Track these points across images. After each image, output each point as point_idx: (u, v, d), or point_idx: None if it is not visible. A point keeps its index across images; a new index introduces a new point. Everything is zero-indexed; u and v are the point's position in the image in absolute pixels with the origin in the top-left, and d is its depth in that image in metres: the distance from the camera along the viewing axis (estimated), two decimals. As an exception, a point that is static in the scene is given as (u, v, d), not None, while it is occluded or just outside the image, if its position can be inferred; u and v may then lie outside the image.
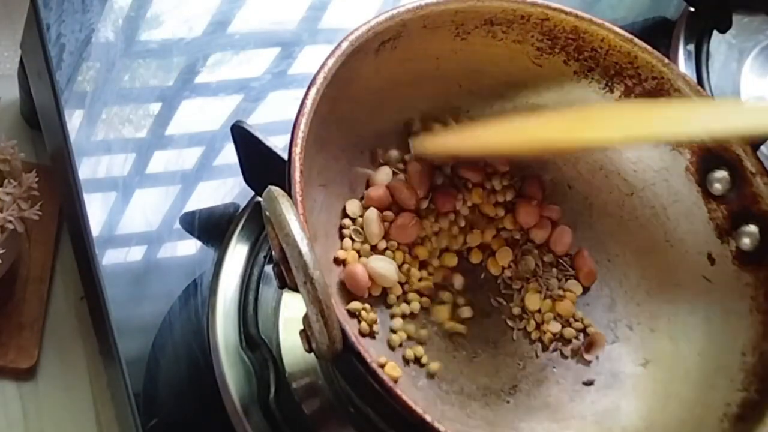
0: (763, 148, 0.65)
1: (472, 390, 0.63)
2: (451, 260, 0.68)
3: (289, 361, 0.66)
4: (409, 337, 0.64)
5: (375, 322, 0.62)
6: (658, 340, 0.66)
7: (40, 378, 0.85)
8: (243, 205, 0.73)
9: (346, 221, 0.65)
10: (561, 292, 0.68)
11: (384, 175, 0.67)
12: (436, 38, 0.67)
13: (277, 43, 0.84)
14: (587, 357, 0.66)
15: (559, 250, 0.70)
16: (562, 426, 0.63)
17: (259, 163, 0.68)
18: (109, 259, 0.72)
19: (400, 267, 0.65)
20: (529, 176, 0.71)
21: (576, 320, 0.68)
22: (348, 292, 0.63)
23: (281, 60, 0.83)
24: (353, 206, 0.66)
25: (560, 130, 0.62)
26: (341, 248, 0.64)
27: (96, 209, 0.73)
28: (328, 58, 0.59)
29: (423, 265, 0.67)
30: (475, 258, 0.69)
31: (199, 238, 0.74)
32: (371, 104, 0.66)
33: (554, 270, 0.69)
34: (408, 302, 0.65)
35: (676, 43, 0.88)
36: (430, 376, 0.63)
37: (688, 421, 0.60)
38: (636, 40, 0.67)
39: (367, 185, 0.67)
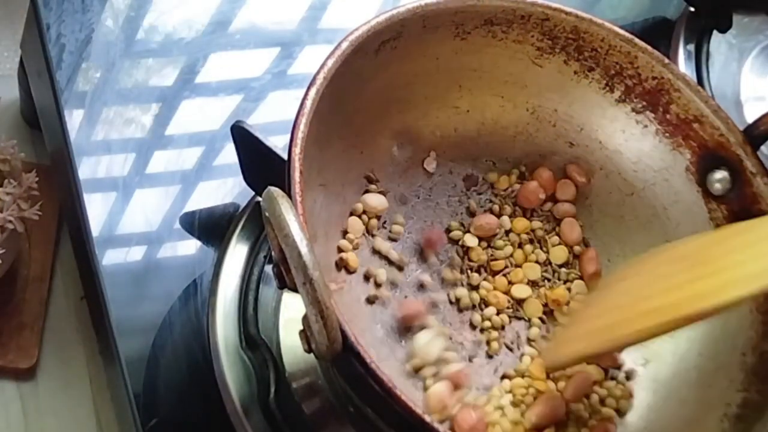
0: (763, 148, 0.65)
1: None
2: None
3: (289, 361, 0.66)
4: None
5: None
6: (657, 340, 0.65)
7: (40, 378, 0.85)
8: (243, 205, 0.73)
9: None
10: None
11: (377, 201, 0.68)
12: (436, 38, 0.67)
13: (277, 43, 0.84)
14: None
15: (571, 242, 0.70)
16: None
17: (259, 163, 0.68)
18: (109, 259, 0.72)
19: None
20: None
21: None
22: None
23: (281, 60, 0.83)
24: (354, 226, 0.66)
25: (693, 295, 0.55)
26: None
27: (96, 209, 0.73)
28: (328, 58, 0.59)
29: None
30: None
31: (199, 238, 0.74)
32: (371, 104, 0.66)
33: (561, 270, 0.70)
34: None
35: (676, 43, 0.88)
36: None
37: (689, 421, 0.60)
38: (636, 40, 0.67)
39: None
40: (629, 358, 0.66)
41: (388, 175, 0.69)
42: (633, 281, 0.61)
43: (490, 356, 0.66)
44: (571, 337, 0.62)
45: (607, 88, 0.69)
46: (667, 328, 0.55)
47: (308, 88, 0.58)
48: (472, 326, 0.67)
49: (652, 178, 0.68)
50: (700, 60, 0.87)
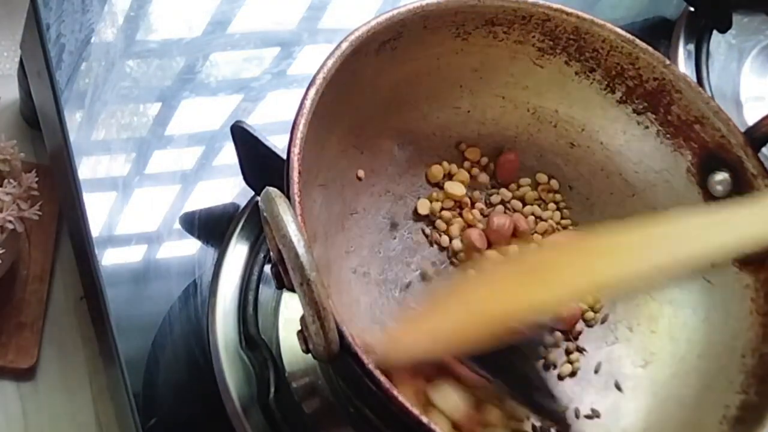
0: (764, 149, 0.65)
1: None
2: None
3: (289, 361, 0.66)
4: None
5: None
6: (657, 341, 0.66)
7: (40, 378, 0.85)
8: (243, 205, 0.73)
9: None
10: None
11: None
12: (437, 39, 0.66)
13: (277, 43, 0.84)
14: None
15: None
16: (562, 427, 0.63)
17: (259, 163, 0.68)
18: (109, 259, 0.71)
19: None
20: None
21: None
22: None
23: (281, 60, 0.83)
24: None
25: (527, 294, 0.56)
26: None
27: (96, 209, 0.73)
28: (328, 58, 0.59)
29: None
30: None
31: (199, 238, 0.74)
32: (371, 105, 0.66)
33: None
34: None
35: (676, 43, 0.88)
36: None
37: (688, 423, 0.60)
38: (637, 41, 0.67)
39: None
40: (629, 360, 0.66)
41: (388, 175, 0.69)
42: (479, 284, 0.61)
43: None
44: (414, 329, 0.61)
45: (609, 89, 0.69)
46: (486, 331, 0.55)
47: (308, 89, 0.58)
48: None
49: (653, 179, 0.68)
50: (700, 60, 0.87)
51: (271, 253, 0.53)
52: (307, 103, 0.57)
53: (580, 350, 0.67)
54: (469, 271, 0.66)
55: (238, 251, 0.70)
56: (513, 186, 0.72)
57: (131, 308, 0.70)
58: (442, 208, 0.69)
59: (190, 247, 0.73)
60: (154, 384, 0.68)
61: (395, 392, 0.50)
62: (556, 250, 0.64)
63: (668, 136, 0.67)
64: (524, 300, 0.56)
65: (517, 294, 0.57)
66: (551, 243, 0.67)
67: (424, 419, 0.49)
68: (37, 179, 0.80)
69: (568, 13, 0.67)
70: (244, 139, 0.69)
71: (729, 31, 0.88)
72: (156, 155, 0.77)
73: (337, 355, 0.50)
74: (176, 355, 0.69)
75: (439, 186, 0.70)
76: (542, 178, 0.71)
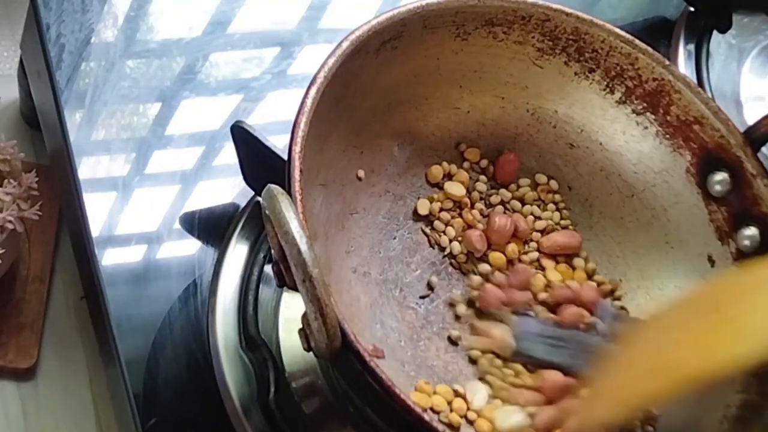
0: (763, 149, 0.65)
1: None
2: None
3: (289, 361, 0.66)
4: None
5: None
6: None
7: (40, 378, 0.85)
8: (243, 205, 0.73)
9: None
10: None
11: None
12: (437, 38, 0.67)
13: (277, 43, 0.84)
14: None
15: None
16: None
17: (259, 163, 0.68)
18: (109, 259, 0.71)
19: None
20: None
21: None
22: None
23: (281, 60, 0.83)
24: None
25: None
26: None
27: (96, 209, 0.73)
28: (329, 57, 0.59)
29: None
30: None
31: (199, 238, 0.74)
32: (371, 104, 0.66)
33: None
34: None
35: (676, 43, 0.88)
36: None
37: (689, 421, 0.60)
38: (637, 41, 0.67)
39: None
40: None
41: (388, 175, 0.69)
42: (658, 331, 0.56)
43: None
44: (601, 393, 0.57)
45: (608, 90, 0.69)
46: (675, 387, 0.50)
47: (309, 87, 0.58)
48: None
49: (652, 179, 0.68)
50: (700, 60, 0.87)
51: (273, 251, 0.53)
52: (309, 101, 0.57)
53: None
54: (647, 318, 0.60)
55: (238, 251, 0.70)
56: (512, 186, 0.72)
57: (131, 308, 0.70)
58: (442, 209, 0.69)
59: (190, 247, 0.73)
60: (154, 384, 0.68)
61: (396, 389, 0.50)
62: (740, 284, 0.55)
63: (667, 136, 0.67)
64: (713, 349, 0.49)
65: (705, 342, 0.50)
66: (732, 278, 0.60)
67: (426, 416, 0.50)
68: (37, 179, 0.80)
69: (567, 14, 0.67)
70: (244, 139, 0.69)
71: (729, 31, 0.89)
72: (156, 155, 0.77)
73: (338, 352, 0.50)
74: (176, 355, 0.69)
75: (438, 186, 0.70)
76: (541, 178, 0.72)
